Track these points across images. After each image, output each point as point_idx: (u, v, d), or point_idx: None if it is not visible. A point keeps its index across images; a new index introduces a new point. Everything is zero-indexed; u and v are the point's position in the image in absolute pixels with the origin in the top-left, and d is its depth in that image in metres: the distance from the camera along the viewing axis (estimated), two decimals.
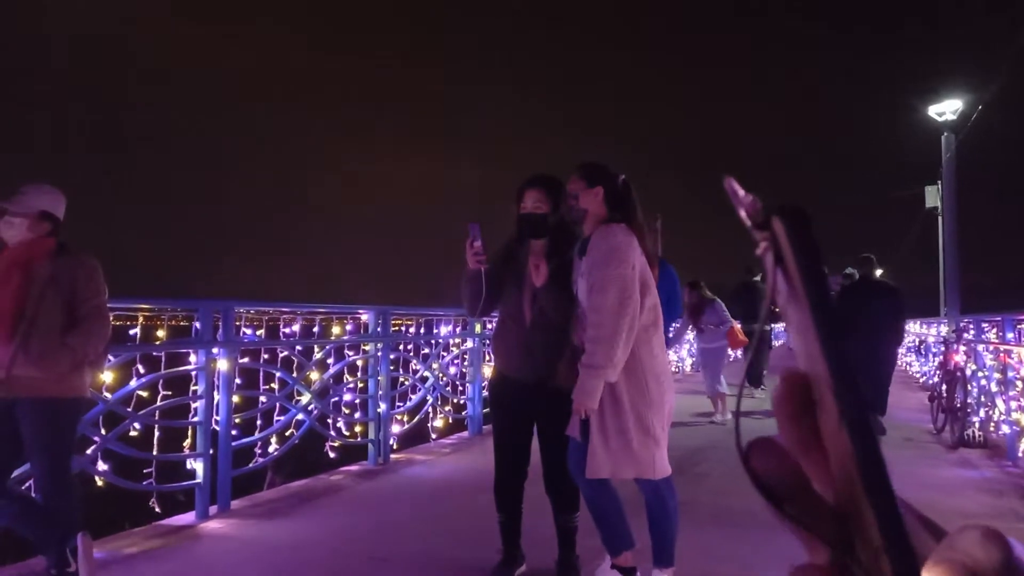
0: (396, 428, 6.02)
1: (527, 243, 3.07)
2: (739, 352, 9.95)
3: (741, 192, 0.34)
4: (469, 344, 7.19)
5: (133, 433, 3.87)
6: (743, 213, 0.33)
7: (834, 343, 0.29)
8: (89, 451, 3.59)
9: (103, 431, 3.68)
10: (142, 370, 3.91)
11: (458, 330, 7.13)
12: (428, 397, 6.51)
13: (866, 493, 0.27)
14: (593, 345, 2.64)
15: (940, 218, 17.46)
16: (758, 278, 10.87)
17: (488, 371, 7.54)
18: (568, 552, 3.10)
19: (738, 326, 8.27)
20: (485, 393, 7.36)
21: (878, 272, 8.45)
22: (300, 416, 5.07)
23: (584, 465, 2.76)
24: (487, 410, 7.36)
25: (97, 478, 3.67)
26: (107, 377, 3.67)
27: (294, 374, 5.13)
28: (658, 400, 2.75)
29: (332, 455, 5.49)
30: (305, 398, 5.15)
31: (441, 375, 6.77)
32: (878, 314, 7.18)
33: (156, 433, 3.98)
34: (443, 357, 6.88)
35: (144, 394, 3.93)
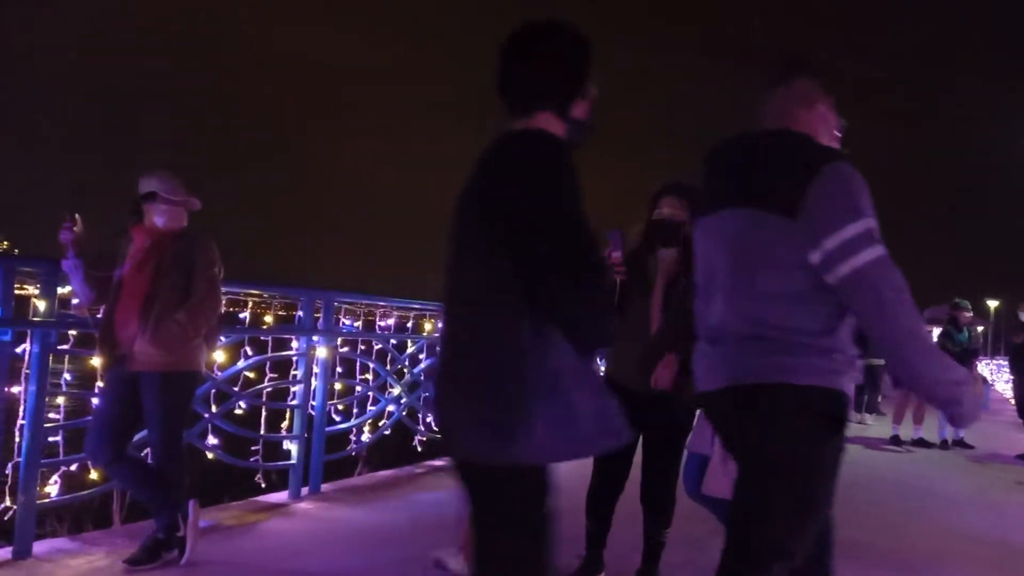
0: None
1: (656, 251, 2.95)
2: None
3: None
4: None
5: (238, 412, 4.10)
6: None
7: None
8: (197, 426, 3.82)
9: (213, 407, 3.92)
10: (249, 352, 4.15)
11: None
12: None
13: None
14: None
15: None
16: None
17: None
18: (652, 566, 3.06)
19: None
20: None
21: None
22: (391, 407, 5.23)
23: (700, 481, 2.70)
24: None
25: (208, 452, 3.91)
26: (218, 356, 3.90)
27: (387, 367, 5.30)
28: None
29: (420, 449, 5.62)
30: (396, 390, 5.31)
31: None
32: None
33: (263, 413, 4.21)
34: None
35: (251, 375, 4.16)
